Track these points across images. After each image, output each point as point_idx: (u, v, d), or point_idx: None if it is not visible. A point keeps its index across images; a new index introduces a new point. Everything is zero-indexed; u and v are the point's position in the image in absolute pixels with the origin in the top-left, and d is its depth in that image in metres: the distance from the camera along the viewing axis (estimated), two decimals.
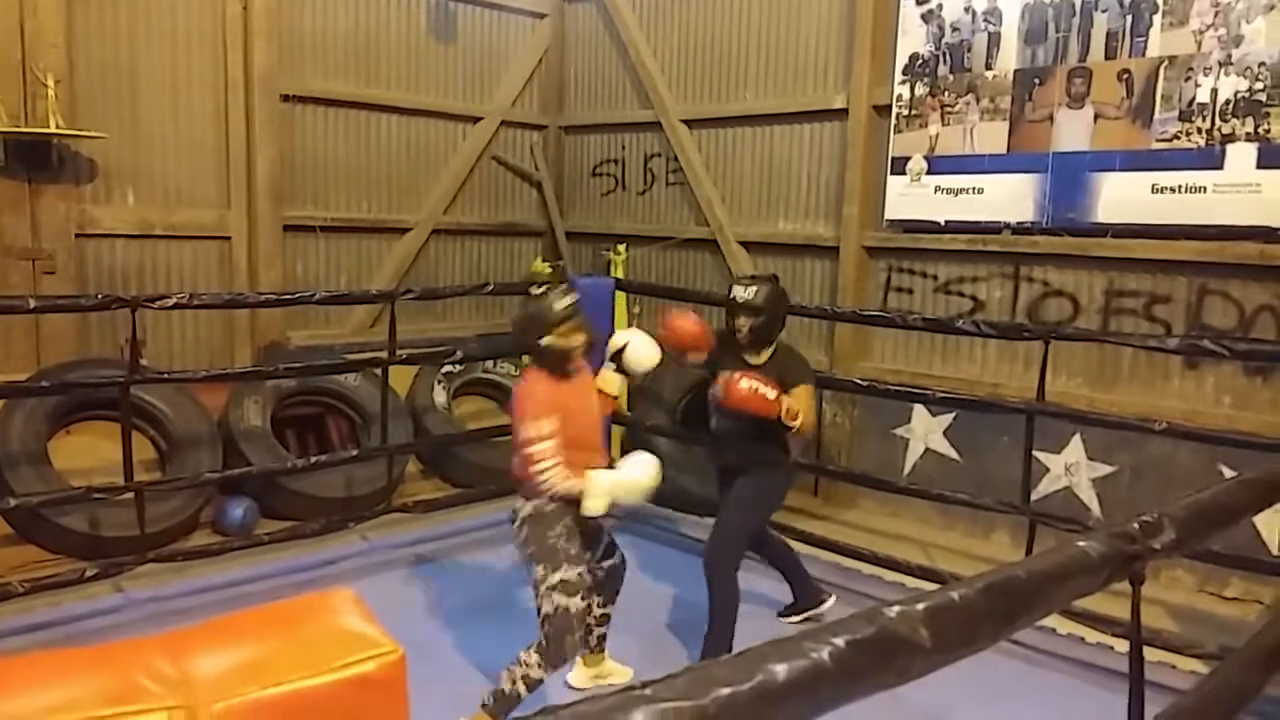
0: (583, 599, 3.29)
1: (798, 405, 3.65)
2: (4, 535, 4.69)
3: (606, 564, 3.62)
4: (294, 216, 6.21)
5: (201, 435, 5.21)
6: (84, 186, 5.40)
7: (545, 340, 3.30)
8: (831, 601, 4.43)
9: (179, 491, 4.90)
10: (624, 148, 7.37)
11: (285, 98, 6.08)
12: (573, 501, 3.28)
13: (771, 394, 3.63)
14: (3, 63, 4.91)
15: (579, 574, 3.29)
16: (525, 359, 3.50)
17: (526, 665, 3.19)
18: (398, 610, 3.18)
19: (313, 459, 5.21)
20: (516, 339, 3.49)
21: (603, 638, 3.76)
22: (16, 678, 2.16)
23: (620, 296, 6.18)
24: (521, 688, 3.18)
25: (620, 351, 3.69)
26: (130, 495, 4.46)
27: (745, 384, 3.65)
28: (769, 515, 4.12)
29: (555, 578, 3.24)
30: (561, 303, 3.33)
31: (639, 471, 3.35)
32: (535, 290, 3.45)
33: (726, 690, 0.95)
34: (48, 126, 4.98)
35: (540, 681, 3.20)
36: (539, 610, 3.26)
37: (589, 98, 7.57)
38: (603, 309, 5.88)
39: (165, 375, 4.86)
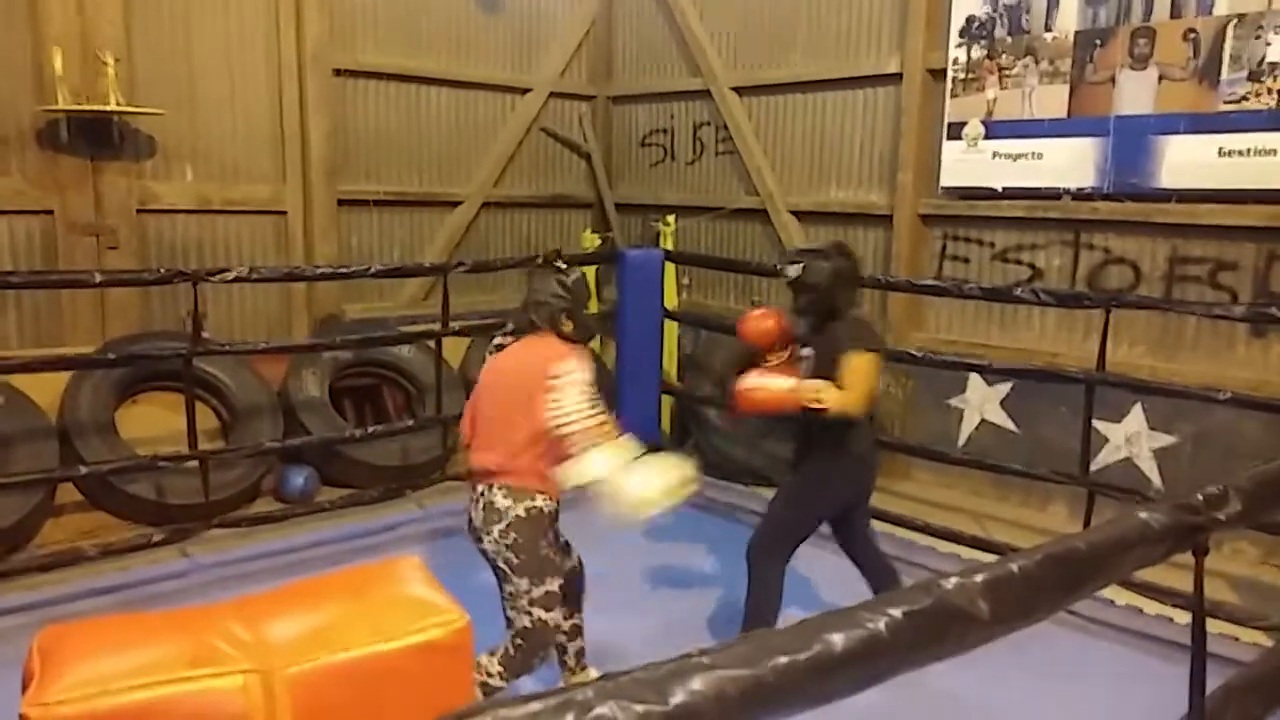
0: (559, 609, 3.08)
1: (846, 380, 3.31)
2: (75, 502, 4.85)
3: (568, 566, 3.28)
4: (348, 191, 6.28)
5: (262, 405, 5.33)
6: (144, 163, 5.52)
7: (586, 313, 3.17)
8: None
9: (241, 460, 5.03)
10: (673, 117, 7.32)
11: (337, 72, 6.13)
12: (554, 504, 3.04)
13: (782, 386, 3.34)
14: (64, 43, 5.01)
15: (560, 585, 3.07)
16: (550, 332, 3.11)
17: (487, 673, 2.97)
18: (456, 577, 3.24)
19: (370, 429, 5.31)
20: (556, 309, 3.08)
21: (581, 651, 3.39)
22: (96, 641, 2.25)
23: (670, 268, 6.16)
24: (476, 692, 2.87)
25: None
26: (195, 464, 4.60)
27: (749, 385, 3.41)
28: (820, 511, 3.63)
29: (539, 591, 2.98)
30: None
31: (650, 483, 2.89)
32: (561, 265, 3.22)
33: (784, 659, 0.96)
34: (108, 104, 5.08)
35: (498, 690, 2.99)
36: (510, 622, 3.02)
37: (637, 67, 7.52)
38: (652, 281, 5.87)
39: (226, 347, 4.97)
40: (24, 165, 5.13)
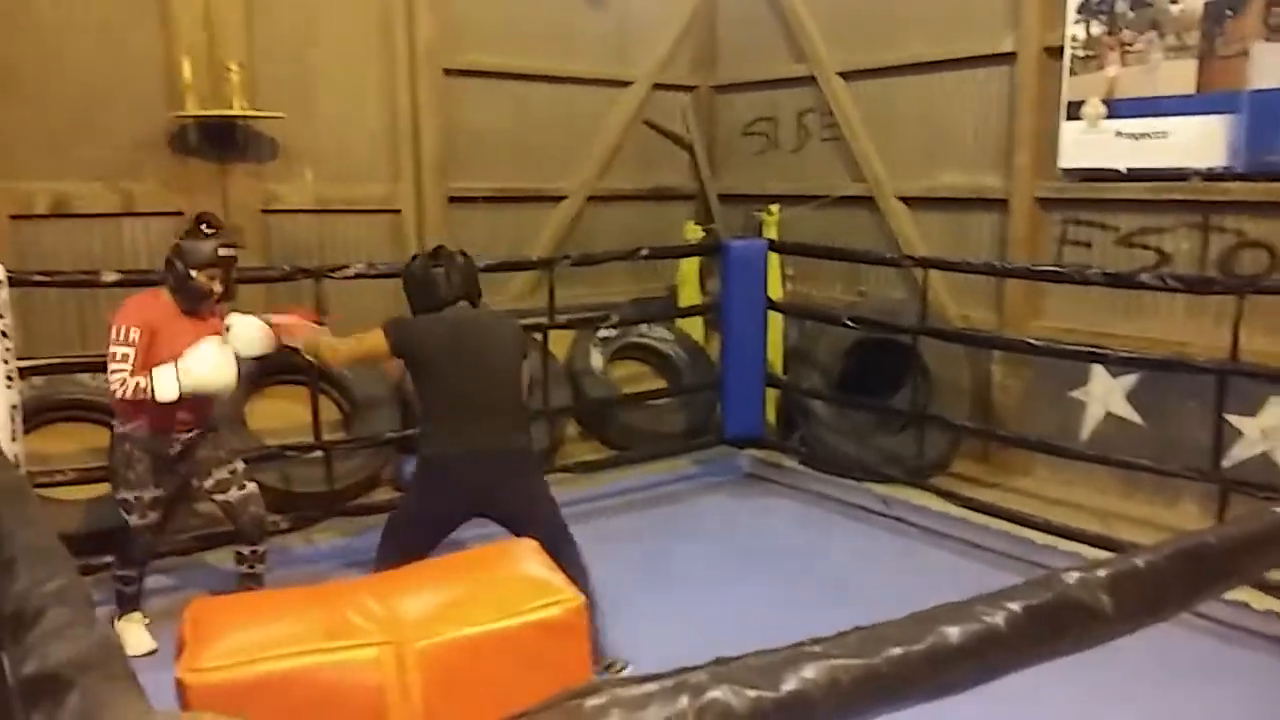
0: (140, 518, 3.70)
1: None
2: None
3: (221, 498, 3.83)
4: (457, 188, 6.43)
5: (381, 398, 5.53)
6: (267, 165, 5.77)
7: (193, 274, 3.56)
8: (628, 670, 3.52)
9: (362, 450, 5.22)
10: (776, 105, 7.24)
11: (447, 72, 6.28)
12: (142, 428, 3.60)
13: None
14: (194, 53, 5.29)
15: (136, 497, 3.67)
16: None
17: (115, 570, 3.86)
18: None
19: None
20: (170, 258, 3.61)
21: (254, 577, 3.90)
22: (242, 612, 2.39)
23: (773, 258, 6.10)
24: (119, 585, 3.85)
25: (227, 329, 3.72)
26: (319, 454, 4.80)
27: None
28: (413, 518, 3.57)
29: (118, 497, 3.70)
30: (224, 250, 3.62)
31: (204, 361, 3.48)
32: (206, 229, 3.61)
33: (898, 650, 0.95)
34: (232, 109, 5.34)
35: (128, 578, 3.86)
36: None
37: (740, 55, 7.47)
38: (756, 272, 5.83)
39: None
40: (158, 169, 5.43)
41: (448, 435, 3.48)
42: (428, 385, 3.52)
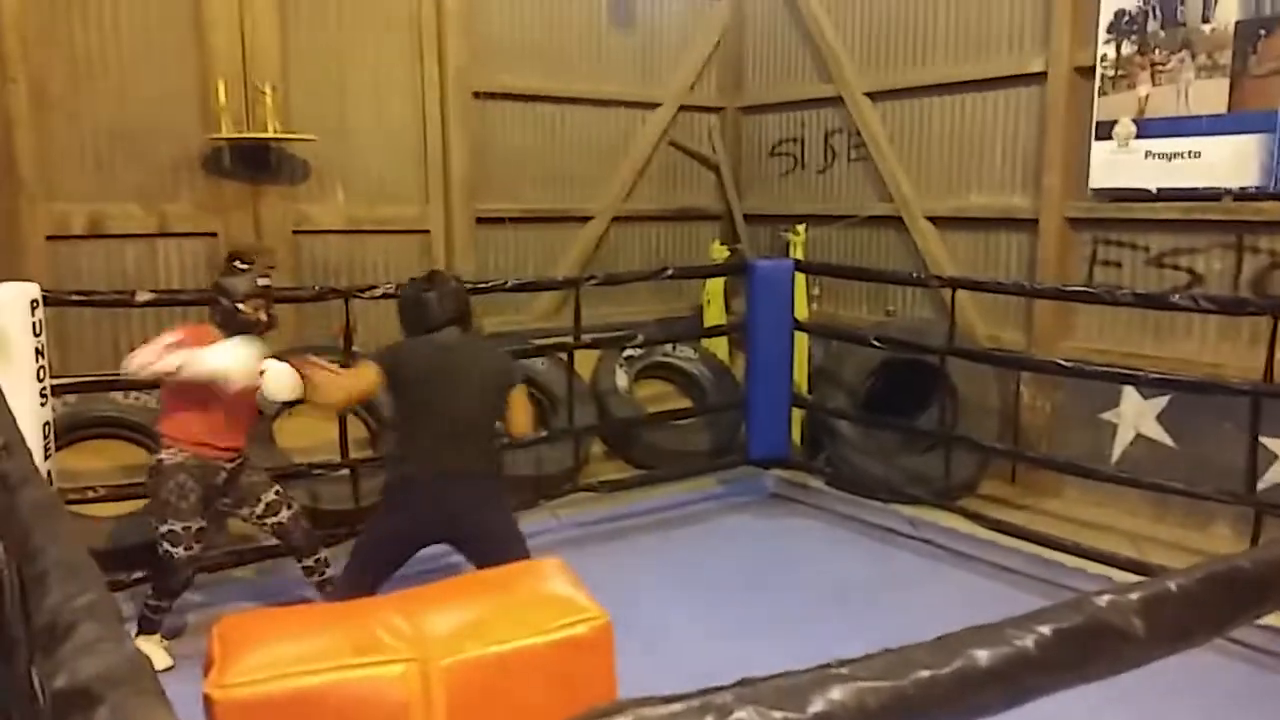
0: (186, 549, 3.69)
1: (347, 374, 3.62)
2: None
3: (274, 520, 3.92)
4: (485, 209, 6.49)
5: None
6: (299, 186, 5.85)
7: (240, 306, 3.68)
8: None
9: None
10: (803, 125, 7.25)
11: (476, 94, 6.35)
12: (193, 459, 3.67)
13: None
14: (229, 76, 5.38)
15: (184, 527, 3.67)
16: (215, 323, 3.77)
17: (147, 597, 3.83)
18: (591, 583, 3.29)
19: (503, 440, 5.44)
20: (214, 297, 3.75)
21: (330, 581, 3.91)
22: (270, 629, 2.40)
23: (800, 278, 6.09)
24: (147, 611, 3.80)
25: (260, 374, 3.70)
26: (346, 472, 4.83)
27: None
28: (380, 533, 3.52)
29: (163, 529, 3.68)
30: (262, 279, 3.77)
31: (223, 352, 3.52)
32: (241, 265, 3.77)
33: (926, 673, 0.94)
34: (266, 131, 5.42)
35: (160, 608, 3.81)
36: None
37: (768, 76, 7.49)
38: (782, 292, 5.82)
39: None
40: (193, 191, 5.52)
41: (418, 458, 3.47)
42: (405, 407, 3.50)
